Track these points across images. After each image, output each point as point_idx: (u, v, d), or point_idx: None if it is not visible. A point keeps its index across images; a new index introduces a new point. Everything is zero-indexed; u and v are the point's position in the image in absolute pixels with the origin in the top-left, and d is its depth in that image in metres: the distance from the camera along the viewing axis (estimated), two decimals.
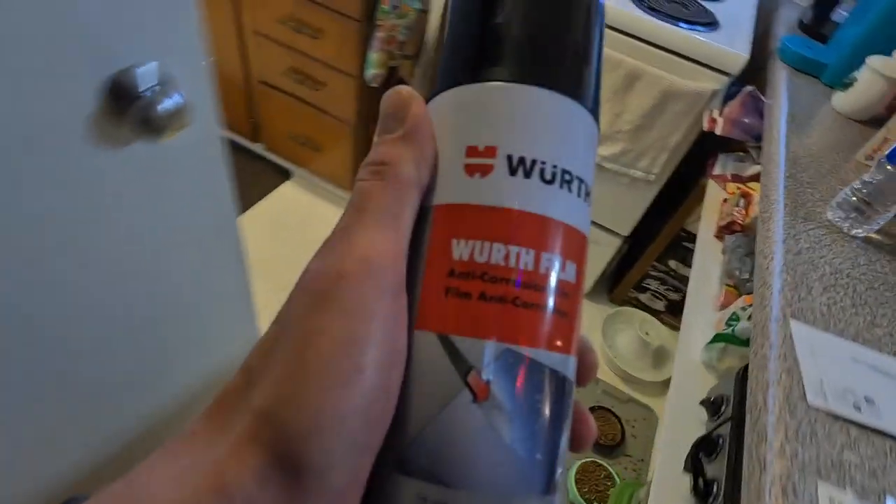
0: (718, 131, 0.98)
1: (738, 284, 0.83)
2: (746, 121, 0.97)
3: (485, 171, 0.17)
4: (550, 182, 0.17)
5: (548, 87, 0.17)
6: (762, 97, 0.97)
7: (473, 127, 0.17)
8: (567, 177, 0.17)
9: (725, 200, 1.03)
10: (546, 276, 0.16)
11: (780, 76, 0.99)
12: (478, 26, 0.18)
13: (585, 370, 0.18)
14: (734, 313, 0.72)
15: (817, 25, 1.12)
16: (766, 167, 0.77)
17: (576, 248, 0.17)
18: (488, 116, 0.17)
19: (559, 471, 0.17)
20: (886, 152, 0.61)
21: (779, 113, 0.88)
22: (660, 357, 1.42)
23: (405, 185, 0.17)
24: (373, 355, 0.14)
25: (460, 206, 0.17)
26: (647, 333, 1.41)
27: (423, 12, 1.24)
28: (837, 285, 0.58)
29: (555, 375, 0.16)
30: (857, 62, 0.89)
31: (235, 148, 1.76)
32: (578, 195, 0.18)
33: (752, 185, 1.01)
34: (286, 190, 1.68)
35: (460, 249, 0.16)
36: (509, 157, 0.17)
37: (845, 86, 0.89)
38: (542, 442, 0.16)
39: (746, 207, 0.95)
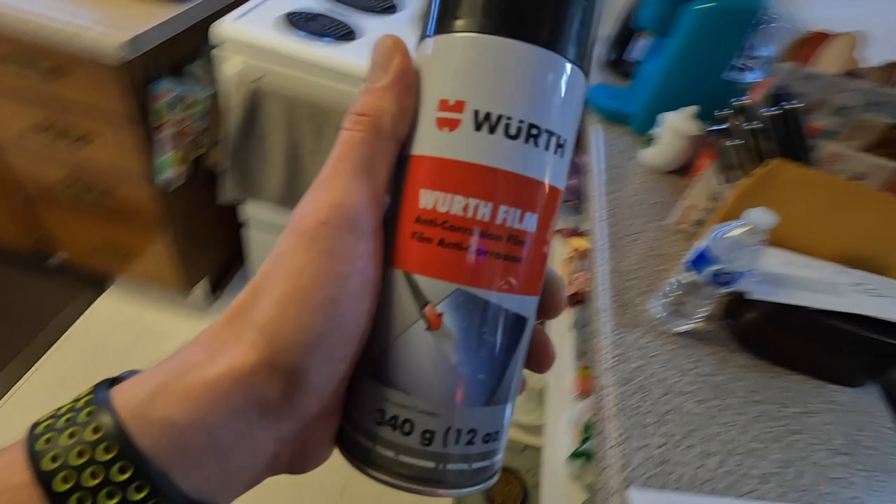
0: None
1: (590, 368, 0.81)
2: (572, 182, 0.95)
3: (452, 125, 0.18)
4: (515, 137, 0.18)
5: (519, 37, 0.17)
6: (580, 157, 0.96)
7: (446, 79, 0.18)
8: (534, 131, 0.18)
9: (569, 259, 1.02)
10: (502, 227, 0.18)
11: (594, 129, 0.99)
12: None
13: (549, 307, 0.21)
14: (587, 423, 0.70)
15: (620, 63, 1.14)
16: (593, 258, 0.75)
17: (538, 199, 0.18)
18: (459, 69, 0.18)
19: (507, 389, 0.20)
20: (687, 258, 0.60)
21: (597, 179, 0.86)
22: (545, 395, 1.42)
23: (383, 137, 0.18)
24: (345, 289, 0.18)
25: (429, 158, 0.18)
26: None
27: (214, 96, 1.08)
28: (669, 412, 0.56)
29: (502, 312, 0.19)
30: (657, 108, 0.90)
31: (30, 268, 1.45)
32: (547, 148, 0.18)
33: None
34: (105, 304, 1.42)
35: (426, 199, 0.18)
36: (476, 113, 0.17)
37: (649, 141, 0.90)
38: (485, 365, 0.19)
39: (586, 271, 0.94)
